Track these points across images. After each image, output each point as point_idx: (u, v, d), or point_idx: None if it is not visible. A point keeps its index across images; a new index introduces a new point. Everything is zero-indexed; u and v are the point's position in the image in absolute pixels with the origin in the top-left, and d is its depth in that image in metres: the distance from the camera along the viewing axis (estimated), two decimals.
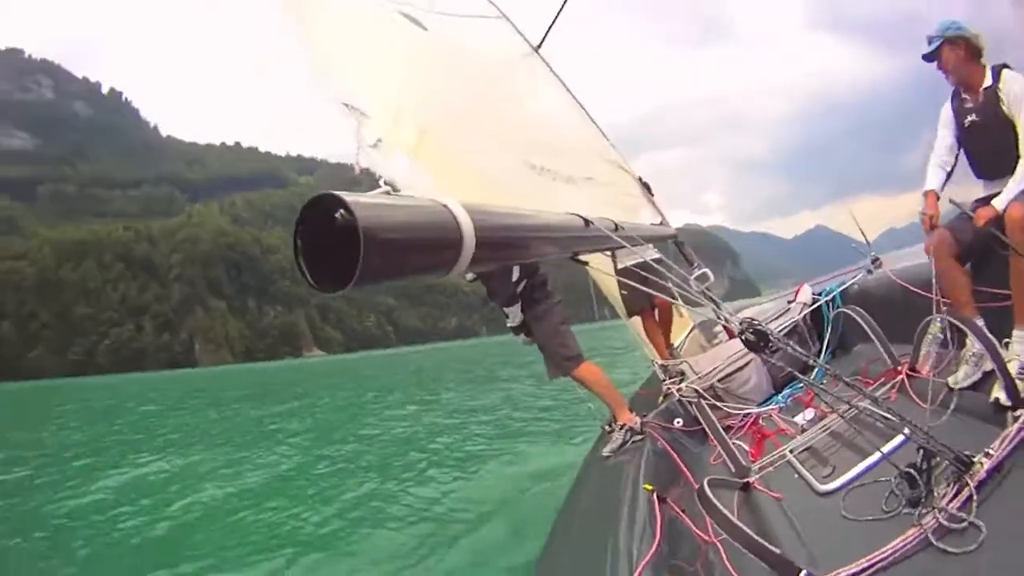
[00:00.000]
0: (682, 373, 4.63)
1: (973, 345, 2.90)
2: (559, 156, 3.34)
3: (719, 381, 4.52)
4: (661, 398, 4.86)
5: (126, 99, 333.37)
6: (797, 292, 5.22)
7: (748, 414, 4.09)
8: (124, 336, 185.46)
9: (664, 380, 4.80)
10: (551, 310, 4.81)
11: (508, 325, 4.95)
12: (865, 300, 4.48)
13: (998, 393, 2.56)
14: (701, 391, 4.17)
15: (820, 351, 4.65)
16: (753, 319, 2.03)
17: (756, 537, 2.15)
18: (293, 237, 0.97)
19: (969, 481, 2.00)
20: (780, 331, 4.56)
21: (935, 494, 2.04)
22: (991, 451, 2.09)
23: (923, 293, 3.51)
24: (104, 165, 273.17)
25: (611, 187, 4.24)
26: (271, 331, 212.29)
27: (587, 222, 1.93)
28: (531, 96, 4.37)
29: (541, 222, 1.65)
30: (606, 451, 4.34)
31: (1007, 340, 2.88)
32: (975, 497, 1.94)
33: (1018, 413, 2.29)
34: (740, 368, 4.60)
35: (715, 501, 2.43)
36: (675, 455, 3.65)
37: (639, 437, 4.29)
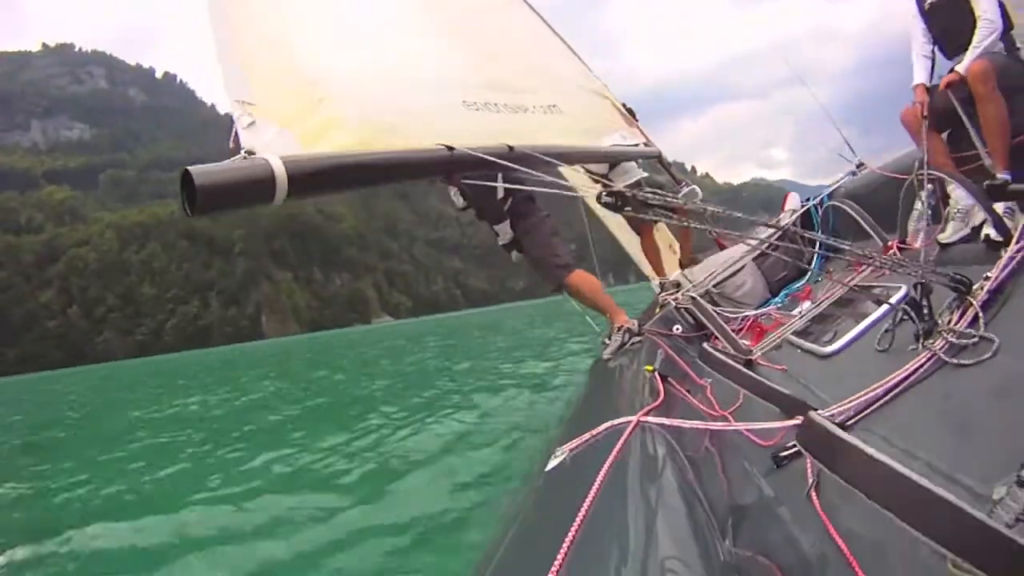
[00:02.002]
0: (678, 284, 4.74)
1: (958, 202, 3.10)
2: (512, 89, 3.49)
3: (714, 287, 4.61)
4: (658, 308, 4.92)
5: (180, 81, 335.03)
6: (784, 201, 5.27)
7: (746, 316, 4.08)
8: (190, 313, 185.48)
9: (660, 293, 5.04)
10: (541, 222, 5.03)
11: (499, 243, 5.19)
12: (852, 197, 4.52)
13: (988, 230, 2.73)
14: (698, 296, 4.09)
15: (812, 256, 4.72)
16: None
17: (763, 379, 2.15)
18: (180, 180, 1.63)
19: (973, 301, 2.02)
20: (771, 237, 4.66)
21: (939, 323, 2.03)
22: (990, 275, 2.12)
23: (905, 176, 3.55)
24: (162, 147, 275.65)
25: (573, 115, 4.16)
26: (338, 299, 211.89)
27: (450, 149, 2.23)
28: (495, 29, 4.45)
29: (376, 158, 2.06)
30: (606, 354, 4.46)
31: (990, 183, 3.10)
32: (981, 316, 1.94)
33: (1010, 247, 2.32)
34: (734, 273, 4.75)
35: (719, 355, 2.60)
36: (675, 356, 3.54)
37: (638, 339, 4.36)
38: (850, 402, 1.79)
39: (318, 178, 1.84)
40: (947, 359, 1.83)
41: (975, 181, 3.04)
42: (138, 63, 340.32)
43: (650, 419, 2.04)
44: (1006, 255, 2.21)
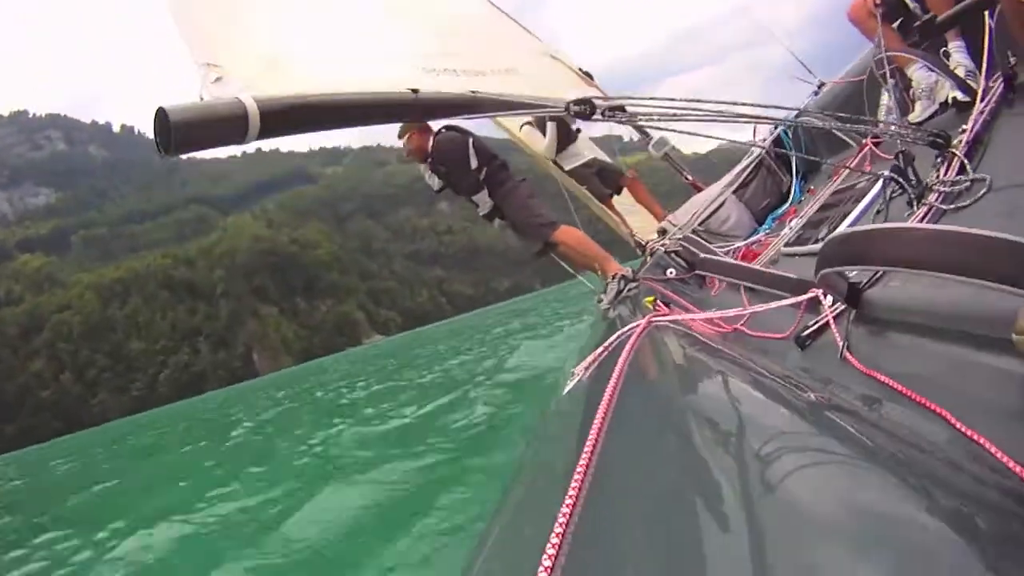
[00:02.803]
0: (663, 231, 4.62)
1: (920, 82, 3.13)
2: (470, 57, 3.62)
3: (700, 226, 4.54)
4: (647, 257, 4.81)
5: (139, 132, 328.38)
6: (754, 133, 5.27)
7: (737, 247, 3.97)
8: (181, 362, 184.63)
9: (646, 242, 5.02)
10: (517, 187, 5.17)
11: (480, 214, 5.28)
12: (819, 111, 4.28)
13: (954, 92, 2.79)
14: (687, 236, 4.08)
15: (792, 181, 4.73)
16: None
17: (768, 270, 2.18)
18: (153, 123, 1.60)
19: (955, 152, 2.02)
20: (747, 168, 4.96)
21: (928, 183, 2.02)
22: (965, 127, 2.14)
23: (863, 78, 3.64)
24: (130, 201, 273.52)
25: (531, 76, 4.17)
26: (325, 326, 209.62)
27: (415, 91, 2.28)
28: (447, 10, 4.48)
29: (344, 98, 2.11)
30: (604, 304, 4.51)
31: (945, 49, 3.07)
32: (967, 163, 1.94)
33: (978, 103, 2.36)
34: (717, 209, 4.75)
35: (721, 259, 2.68)
36: (674, 294, 3.50)
37: (634, 284, 4.39)
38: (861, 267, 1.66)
39: (289, 116, 1.89)
40: (945, 207, 1.80)
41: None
42: (94, 120, 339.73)
43: (661, 319, 1.98)
44: (975, 110, 2.24)
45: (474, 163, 5.11)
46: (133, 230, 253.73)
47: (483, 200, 5.18)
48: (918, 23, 2.95)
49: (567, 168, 6.19)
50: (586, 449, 0.92)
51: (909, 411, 1.06)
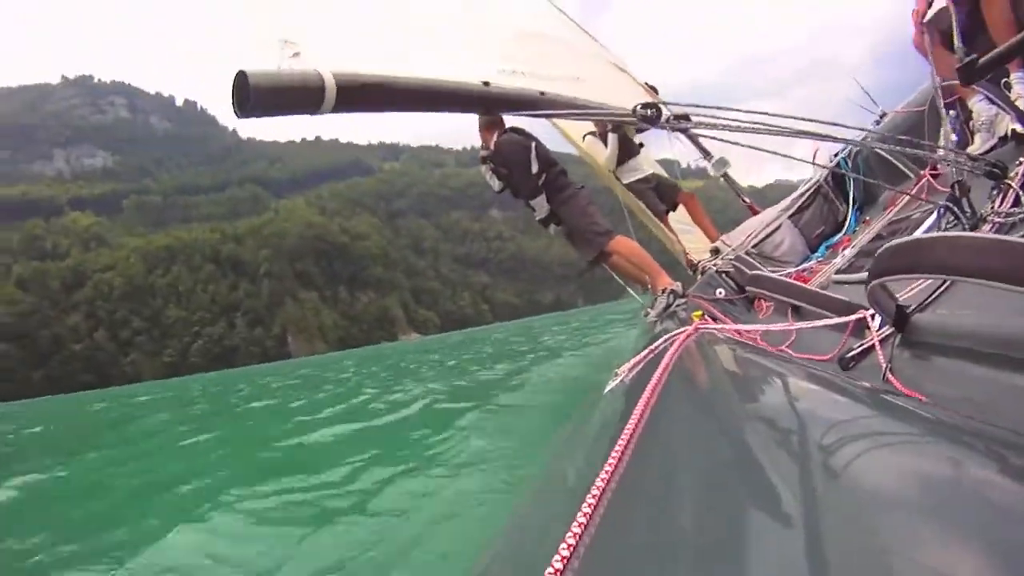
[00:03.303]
0: (716, 251, 4.69)
1: (980, 114, 3.07)
2: (538, 62, 3.68)
3: (753, 247, 4.56)
4: (698, 275, 4.77)
5: (201, 108, 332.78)
6: (813, 157, 5.08)
7: (788, 272, 3.86)
8: (216, 335, 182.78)
9: (697, 262, 5.00)
10: (576, 194, 5.20)
11: (537, 219, 5.30)
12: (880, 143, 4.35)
13: (1013, 125, 2.80)
14: (740, 256, 4.11)
15: (848, 210, 4.72)
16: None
17: (817, 290, 2.13)
18: (232, 85, 1.65)
19: (1011, 183, 1.98)
20: (805, 194, 4.91)
21: (982, 213, 1.98)
22: (1022, 160, 2.08)
23: (924, 108, 3.58)
24: (187, 174, 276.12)
25: (597, 85, 4.23)
26: (365, 317, 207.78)
27: (486, 84, 2.42)
28: (527, 16, 4.70)
29: (417, 82, 2.20)
30: (652, 316, 4.49)
31: (1006, 80, 2.99)
32: (1022, 195, 1.91)
33: None
34: (771, 233, 4.72)
35: (769, 275, 2.66)
36: (722, 315, 3.49)
37: (682, 300, 4.38)
38: (912, 290, 1.62)
39: (364, 93, 1.90)
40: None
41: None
42: (158, 91, 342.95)
43: (708, 326, 1.96)
44: None
45: (535, 167, 5.09)
46: (186, 201, 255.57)
47: (540, 205, 5.21)
48: (959, 66, 2.76)
49: (625, 182, 6.28)
50: (620, 442, 0.89)
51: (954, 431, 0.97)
